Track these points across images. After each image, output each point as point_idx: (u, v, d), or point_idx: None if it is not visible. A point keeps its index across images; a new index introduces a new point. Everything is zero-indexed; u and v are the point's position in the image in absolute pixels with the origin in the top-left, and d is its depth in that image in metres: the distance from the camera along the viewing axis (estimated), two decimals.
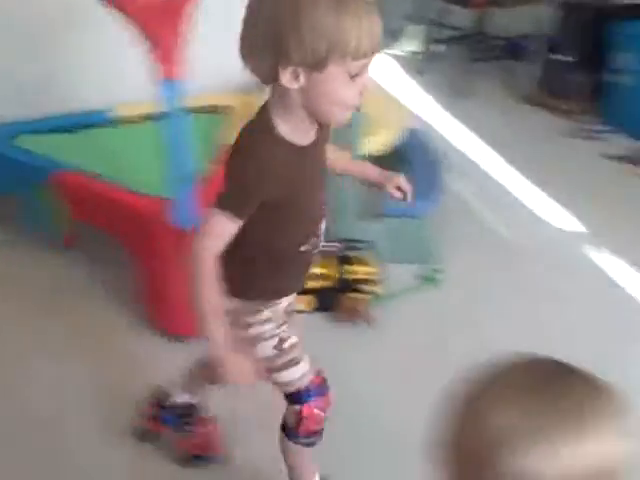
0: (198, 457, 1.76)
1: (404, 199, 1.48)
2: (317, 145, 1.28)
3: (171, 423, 1.77)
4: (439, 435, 0.78)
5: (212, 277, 1.24)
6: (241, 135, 1.24)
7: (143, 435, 1.81)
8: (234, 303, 1.36)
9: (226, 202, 1.21)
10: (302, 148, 1.24)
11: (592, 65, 3.62)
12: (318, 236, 1.36)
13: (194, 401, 1.75)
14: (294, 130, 1.22)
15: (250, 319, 1.40)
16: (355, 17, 1.08)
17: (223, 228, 1.22)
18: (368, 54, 1.13)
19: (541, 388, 0.75)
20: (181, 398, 1.74)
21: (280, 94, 1.19)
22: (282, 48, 1.10)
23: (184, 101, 1.78)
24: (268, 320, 1.40)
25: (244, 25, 1.16)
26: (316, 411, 1.44)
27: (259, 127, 1.22)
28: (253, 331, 1.40)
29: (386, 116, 2.70)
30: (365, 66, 1.15)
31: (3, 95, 2.56)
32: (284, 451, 1.53)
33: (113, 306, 2.27)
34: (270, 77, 1.16)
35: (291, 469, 1.57)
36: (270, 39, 1.11)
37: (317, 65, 1.11)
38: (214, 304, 1.26)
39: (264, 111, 1.22)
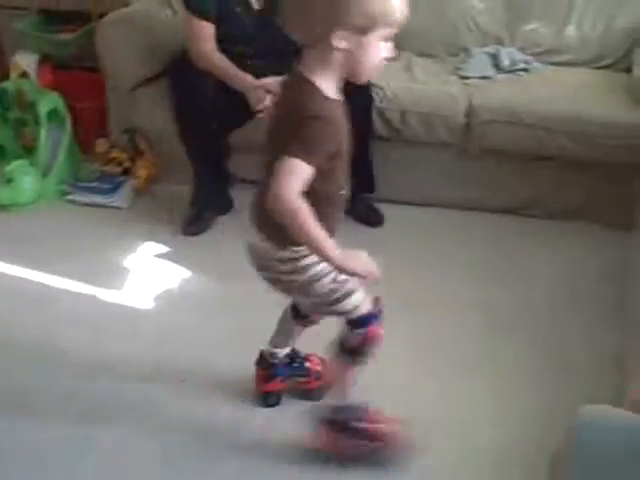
0: None
1: None
2: (340, 98, 1.46)
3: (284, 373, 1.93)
4: None
5: (308, 210, 1.38)
6: (300, 100, 1.40)
7: None
8: (287, 252, 1.53)
9: (301, 153, 1.36)
10: (337, 101, 1.43)
11: None
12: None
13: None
14: (330, 86, 1.41)
15: (305, 262, 1.54)
16: None
17: (302, 171, 1.36)
18: (400, 23, 1.36)
19: None
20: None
21: (321, 54, 1.37)
22: (340, 13, 1.30)
23: None
24: (320, 260, 1.53)
25: None
26: (379, 331, 1.61)
27: (308, 89, 1.39)
28: (310, 272, 1.56)
29: None
30: (393, 34, 1.36)
31: None
32: (338, 369, 1.70)
33: None
34: (318, 38, 1.35)
35: (339, 384, 1.73)
36: (329, 5, 1.31)
37: (366, 31, 1.33)
38: (319, 231, 1.41)
39: (303, 74, 1.40)
